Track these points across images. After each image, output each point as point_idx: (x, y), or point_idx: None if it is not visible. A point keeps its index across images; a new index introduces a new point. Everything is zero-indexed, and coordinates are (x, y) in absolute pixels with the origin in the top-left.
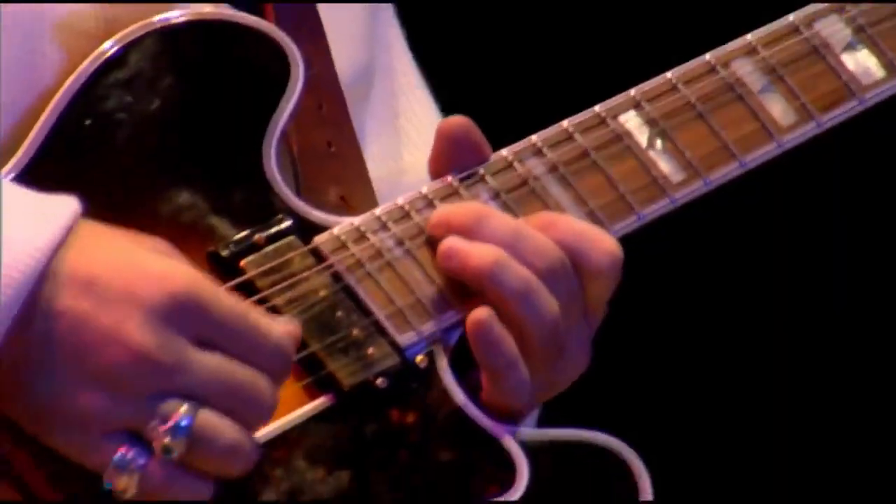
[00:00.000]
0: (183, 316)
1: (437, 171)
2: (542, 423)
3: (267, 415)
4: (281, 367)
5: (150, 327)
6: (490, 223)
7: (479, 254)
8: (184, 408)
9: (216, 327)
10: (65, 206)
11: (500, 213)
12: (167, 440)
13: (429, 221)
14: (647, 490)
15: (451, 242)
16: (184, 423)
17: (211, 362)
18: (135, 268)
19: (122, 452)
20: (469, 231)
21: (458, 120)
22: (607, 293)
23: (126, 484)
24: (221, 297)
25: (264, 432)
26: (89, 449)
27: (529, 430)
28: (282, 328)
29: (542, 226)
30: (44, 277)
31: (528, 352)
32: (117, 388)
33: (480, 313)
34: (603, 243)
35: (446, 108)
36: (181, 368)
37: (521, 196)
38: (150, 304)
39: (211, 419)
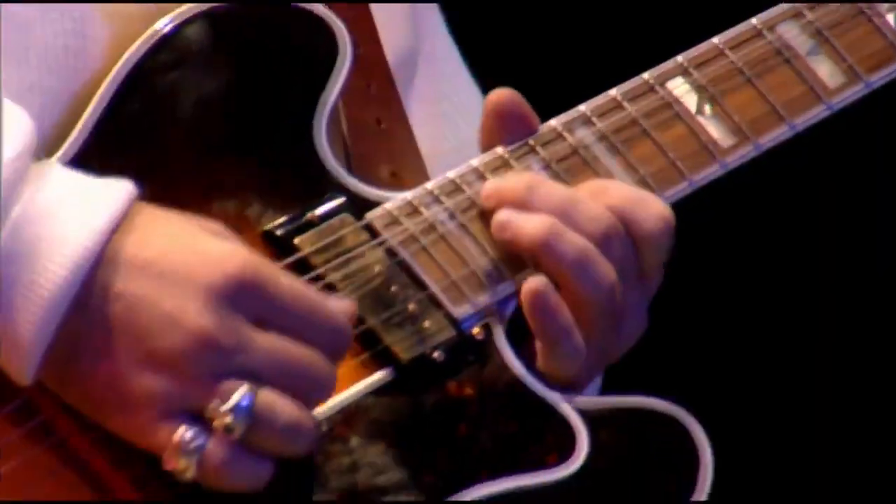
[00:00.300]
0: (242, 297)
1: (487, 144)
2: (604, 390)
3: (326, 393)
4: (339, 344)
5: (211, 310)
6: (542, 192)
7: (532, 224)
8: (244, 387)
9: (275, 307)
10: (120, 189)
11: (551, 182)
12: (228, 419)
13: (481, 193)
14: (707, 457)
15: (504, 214)
16: (244, 402)
17: (270, 342)
18: (193, 251)
19: (182, 434)
20: (521, 201)
21: (506, 92)
22: (661, 257)
23: (186, 465)
24: (279, 277)
25: (323, 409)
26: (149, 431)
27: (588, 398)
28: (338, 306)
29: (593, 193)
30: (100, 260)
31: (584, 320)
32: (178, 371)
33: (535, 283)
34: (654, 207)
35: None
36: (242, 349)
37: (571, 166)
38: (210, 286)
39: (271, 398)
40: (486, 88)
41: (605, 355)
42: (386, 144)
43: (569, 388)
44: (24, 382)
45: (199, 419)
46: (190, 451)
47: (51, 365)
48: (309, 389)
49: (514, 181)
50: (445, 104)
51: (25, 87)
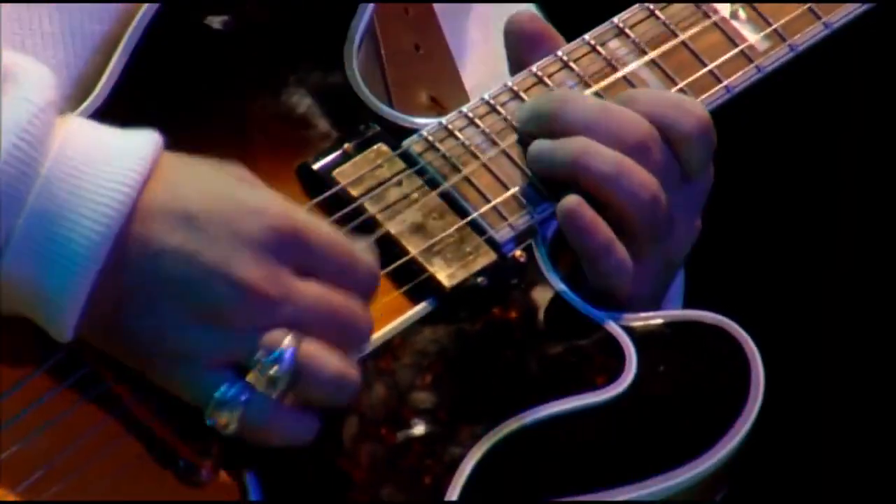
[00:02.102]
0: (284, 247)
1: (516, 68)
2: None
3: (366, 338)
4: (373, 287)
5: (256, 261)
6: (575, 107)
7: (564, 149)
8: (288, 339)
9: (316, 255)
10: (147, 140)
11: (582, 96)
12: (272, 372)
13: (516, 117)
14: (758, 367)
15: (534, 147)
16: (288, 354)
17: (313, 290)
18: (232, 202)
19: (226, 387)
20: (555, 118)
21: (523, 14)
22: (703, 157)
23: (228, 419)
24: (317, 224)
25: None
26: (191, 384)
27: (634, 315)
28: (363, 249)
29: (625, 101)
30: (134, 214)
31: (631, 232)
32: (223, 323)
33: (568, 202)
34: (689, 108)
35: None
36: (286, 299)
37: (606, 78)
38: (253, 238)
39: (314, 349)
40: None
41: (666, 265)
42: (425, 69)
43: (616, 304)
44: (63, 340)
45: (244, 372)
46: (233, 406)
47: (93, 322)
48: (350, 336)
49: (544, 100)
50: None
51: (67, 33)
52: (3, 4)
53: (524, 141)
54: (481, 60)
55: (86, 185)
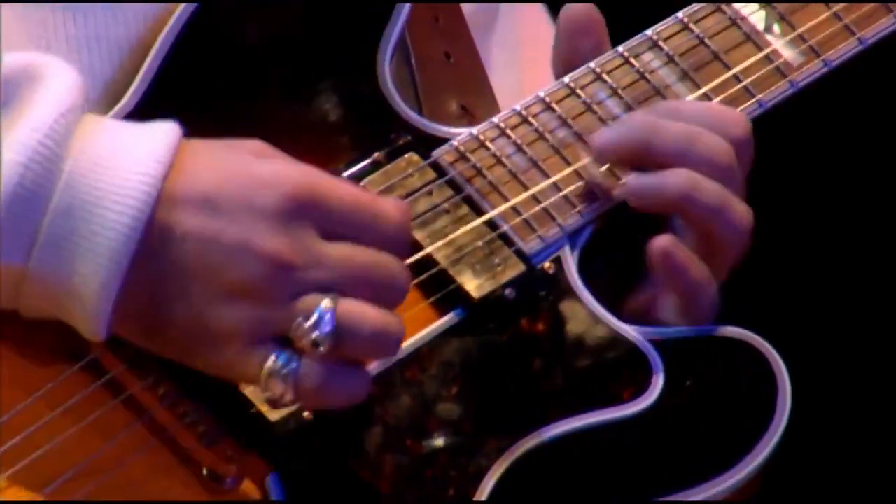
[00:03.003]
0: (304, 213)
1: (560, 61)
2: None
3: (404, 291)
4: (404, 241)
5: (277, 232)
6: (666, 135)
7: (671, 184)
8: (325, 301)
9: (337, 216)
10: (166, 131)
11: (668, 123)
12: (315, 335)
13: (595, 147)
14: (785, 384)
15: (637, 182)
16: (327, 315)
17: (340, 251)
18: (245, 176)
19: (273, 359)
20: (647, 146)
21: (581, 7)
22: (748, 166)
23: (283, 389)
24: (336, 185)
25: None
26: (239, 363)
27: (662, 329)
28: (393, 203)
29: (669, 114)
30: (158, 204)
31: (719, 263)
32: (257, 297)
33: (663, 242)
34: (734, 117)
35: None
36: (315, 264)
37: (639, 91)
38: (271, 209)
39: (353, 306)
40: None
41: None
42: (455, 78)
43: (649, 321)
44: (97, 339)
45: (288, 342)
46: (284, 375)
47: (129, 317)
48: (387, 290)
49: (633, 126)
50: (527, 49)
51: (93, 37)
52: (28, 6)
53: (554, 149)
54: (506, 84)
55: (109, 178)
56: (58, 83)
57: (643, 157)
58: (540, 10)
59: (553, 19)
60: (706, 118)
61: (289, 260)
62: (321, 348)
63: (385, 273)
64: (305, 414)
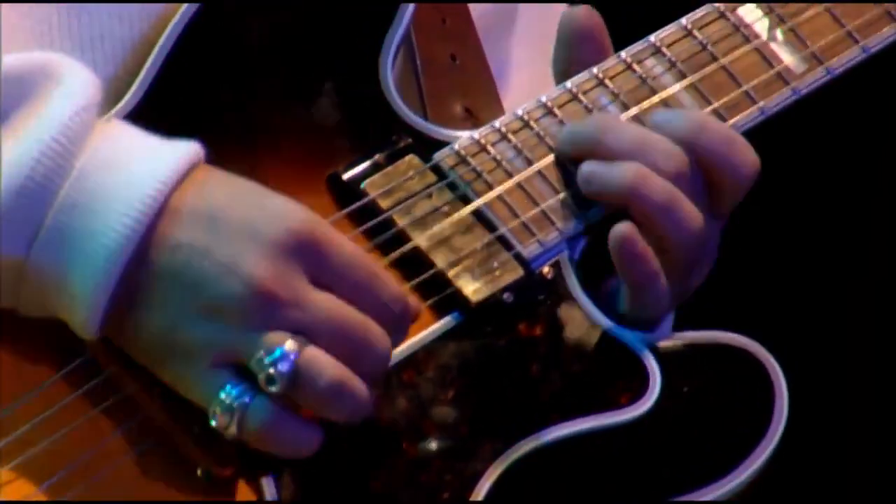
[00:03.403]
0: (302, 253)
1: (560, 65)
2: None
3: (381, 360)
4: (398, 316)
5: (269, 261)
6: (616, 135)
7: (619, 174)
8: (290, 341)
9: (334, 268)
10: (187, 146)
11: (622, 123)
12: (270, 371)
13: (556, 139)
14: (782, 390)
15: (587, 168)
16: (290, 355)
17: (327, 302)
18: (257, 205)
19: (229, 387)
20: (596, 144)
21: (584, 11)
22: (738, 200)
23: (228, 422)
24: (342, 240)
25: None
26: (196, 381)
27: (660, 336)
28: (394, 278)
29: (658, 126)
30: (163, 212)
31: (669, 261)
32: (231, 320)
33: (623, 229)
34: (748, 154)
35: None
36: (296, 304)
37: (641, 97)
38: (270, 238)
39: (317, 355)
40: None
41: (681, 294)
42: (460, 80)
43: (642, 326)
44: (90, 336)
45: (248, 377)
46: (234, 407)
47: (110, 317)
48: (362, 353)
49: (586, 125)
50: (547, 46)
51: (97, 36)
52: (33, 6)
53: (560, 160)
54: (527, 81)
55: (120, 179)
56: (75, 82)
57: (595, 154)
58: (562, 8)
59: None
60: (691, 131)
61: (272, 290)
62: (275, 388)
63: (364, 337)
64: None
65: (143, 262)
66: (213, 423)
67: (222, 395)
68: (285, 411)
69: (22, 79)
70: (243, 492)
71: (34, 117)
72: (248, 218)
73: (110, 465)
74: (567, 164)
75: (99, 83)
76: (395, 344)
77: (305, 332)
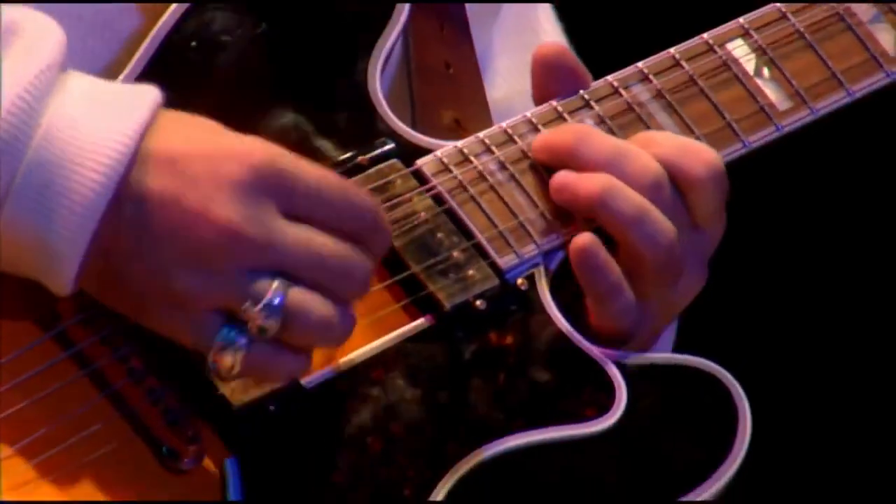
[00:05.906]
0: (268, 189)
1: (539, 98)
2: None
3: (361, 286)
4: (373, 229)
5: (236, 203)
6: (590, 144)
7: (589, 184)
8: (274, 285)
9: (302, 197)
10: (148, 93)
11: (600, 133)
12: (260, 321)
13: (532, 146)
14: (746, 421)
15: (560, 177)
16: (276, 301)
17: (301, 234)
18: (216, 146)
19: (226, 330)
20: (571, 153)
21: (552, 46)
22: (712, 204)
23: (231, 362)
24: (304, 166)
25: (362, 352)
26: (191, 328)
27: (629, 354)
28: (365, 191)
29: (640, 143)
30: (133, 162)
31: (640, 274)
32: (210, 266)
33: (583, 240)
34: (700, 154)
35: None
36: (271, 241)
37: (625, 122)
38: (234, 179)
39: (302, 296)
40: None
41: (668, 310)
42: (452, 89)
43: (616, 342)
44: (65, 293)
45: (238, 319)
46: (235, 349)
47: (87, 270)
48: (343, 282)
49: (562, 133)
50: (529, 35)
51: (100, 23)
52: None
53: (537, 170)
54: (509, 68)
55: (87, 134)
56: (39, 40)
57: (569, 164)
58: (545, 7)
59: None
60: (674, 150)
61: (243, 233)
62: (267, 334)
63: (345, 264)
64: (272, 407)
65: (116, 214)
66: (214, 366)
67: (222, 338)
68: (280, 347)
69: None
70: (203, 474)
71: None
72: (210, 161)
73: (74, 437)
74: (547, 179)
75: (65, 40)
76: (382, 253)
77: (285, 269)
